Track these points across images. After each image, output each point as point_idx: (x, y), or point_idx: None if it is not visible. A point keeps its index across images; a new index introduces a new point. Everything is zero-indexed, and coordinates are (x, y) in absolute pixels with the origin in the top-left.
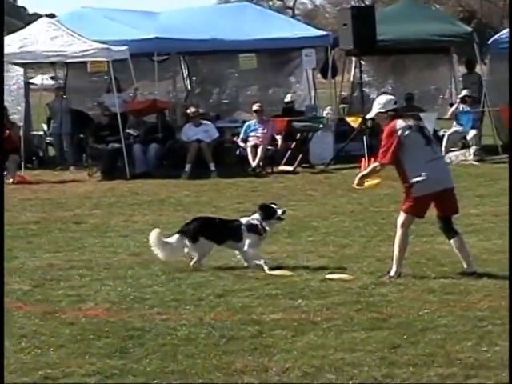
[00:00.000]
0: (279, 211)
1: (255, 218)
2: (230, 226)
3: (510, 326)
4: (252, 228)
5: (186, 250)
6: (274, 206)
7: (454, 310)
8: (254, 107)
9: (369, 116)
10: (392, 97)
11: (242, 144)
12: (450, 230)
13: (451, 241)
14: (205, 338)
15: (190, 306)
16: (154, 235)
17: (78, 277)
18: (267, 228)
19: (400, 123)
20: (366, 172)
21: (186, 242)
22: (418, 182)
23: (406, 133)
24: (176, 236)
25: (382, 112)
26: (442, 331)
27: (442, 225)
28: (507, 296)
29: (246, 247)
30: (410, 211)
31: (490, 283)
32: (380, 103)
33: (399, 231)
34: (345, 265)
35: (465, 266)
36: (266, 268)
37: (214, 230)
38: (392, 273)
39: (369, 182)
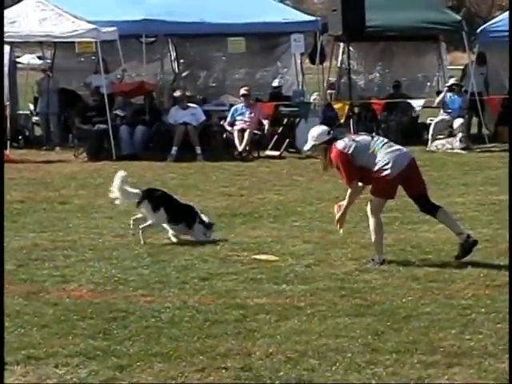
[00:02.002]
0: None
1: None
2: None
3: (510, 320)
4: (203, 221)
5: (141, 212)
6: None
7: (438, 297)
8: (242, 91)
9: (305, 149)
10: (325, 128)
11: (228, 128)
12: (430, 207)
13: (436, 216)
14: (189, 321)
15: (175, 288)
16: (119, 178)
17: (62, 257)
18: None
19: (341, 144)
20: (345, 206)
21: (146, 204)
22: (386, 166)
23: (353, 147)
24: (138, 192)
25: (316, 144)
26: (426, 319)
27: (420, 205)
28: (491, 285)
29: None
30: (382, 195)
31: (474, 272)
32: (313, 136)
33: (371, 219)
34: (330, 251)
35: (458, 239)
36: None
37: (174, 209)
38: (376, 259)
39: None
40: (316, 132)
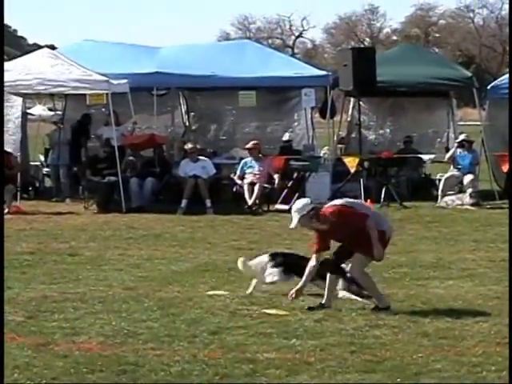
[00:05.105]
0: None
1: None
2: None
3: (510, 330)
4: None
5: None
6: None
7: (448, 354)
8: (248, 145)
9: (292, 226)
10: (306, 199)
11: (238, 181)
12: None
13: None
14: (198, 375)
15: (184, 342)
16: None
17: (72, 309)
18: None
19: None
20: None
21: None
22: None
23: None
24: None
25: (304, 215)
26: (436, 376)
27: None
28: (502, 342)
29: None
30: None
31: (484, 329)
32: (298, 209)
33: (362, 278)
34: (339, 306)
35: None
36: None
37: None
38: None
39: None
40: (300, 205)
